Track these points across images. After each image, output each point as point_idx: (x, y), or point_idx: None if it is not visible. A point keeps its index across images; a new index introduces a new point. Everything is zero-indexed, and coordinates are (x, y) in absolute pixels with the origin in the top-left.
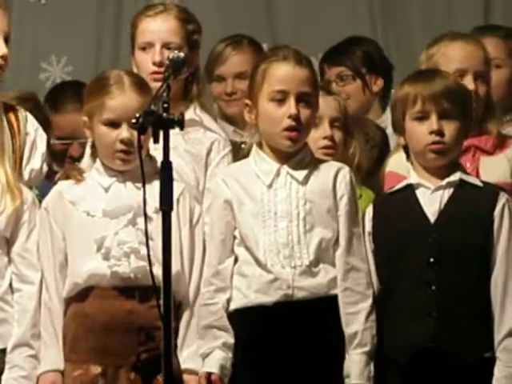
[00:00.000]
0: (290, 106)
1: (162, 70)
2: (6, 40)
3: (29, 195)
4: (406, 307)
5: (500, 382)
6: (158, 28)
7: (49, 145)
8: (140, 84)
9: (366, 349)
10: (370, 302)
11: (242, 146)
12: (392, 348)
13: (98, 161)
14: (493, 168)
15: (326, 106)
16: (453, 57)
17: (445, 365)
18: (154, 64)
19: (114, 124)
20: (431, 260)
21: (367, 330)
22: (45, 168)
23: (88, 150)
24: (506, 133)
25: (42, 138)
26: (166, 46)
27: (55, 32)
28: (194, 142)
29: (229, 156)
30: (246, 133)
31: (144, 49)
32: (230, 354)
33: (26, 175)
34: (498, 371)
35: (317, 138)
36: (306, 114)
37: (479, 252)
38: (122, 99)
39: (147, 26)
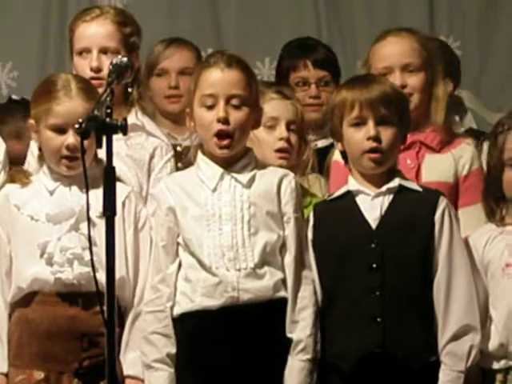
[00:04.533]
0: (219, 110)
1: (99, 75)
2: None
3: None
4: (350, 313)
5: None
6: (94, 33)
7: None
8: (87, 90)
9: (309, 356)
10: (315, 309)
11: (178, 148)
12: (335, 354)
13: (44, 164)
14: (436, 166)
15: (283, 108)
16: (378, 56)
17: (390, 370)
18: (92, 69)
19: (59, 130)
20: (374, 265)
21: (311, 337)
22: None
23: (32, 153)
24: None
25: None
26: (103, 50)
27: (0, 37)
28: (137, 148)
29: (172, 161)
30: (180, 136)
31: (81, 54)
32: (173, 368)
33: None
34: (444, 375)
35: (273, 139)
36: (238, 116)
37: (421, 257)
38: (68, 105)
39: (83, 31)
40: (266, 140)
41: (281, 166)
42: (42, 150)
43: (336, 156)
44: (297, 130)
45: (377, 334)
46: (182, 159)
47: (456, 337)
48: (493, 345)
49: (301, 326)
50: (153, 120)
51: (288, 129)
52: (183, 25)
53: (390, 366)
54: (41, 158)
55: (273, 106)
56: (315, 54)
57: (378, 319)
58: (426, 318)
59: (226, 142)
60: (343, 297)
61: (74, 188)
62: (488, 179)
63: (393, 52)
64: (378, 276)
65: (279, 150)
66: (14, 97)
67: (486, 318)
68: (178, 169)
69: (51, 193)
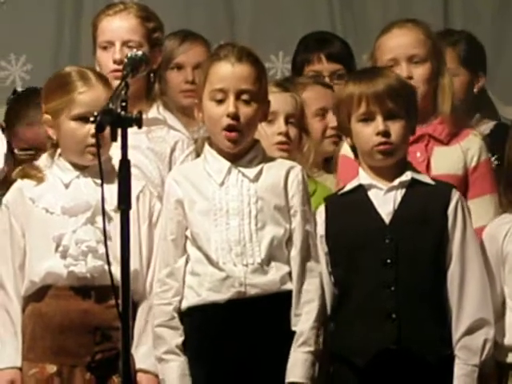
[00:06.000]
0: (229, 105)
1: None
2: None
3: None
4: (364, 308)
5: (460, 380)
6: (118, 27)
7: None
8: (103, 78)
9: (311, 348)
10: (320, 302)
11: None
12: (349, 350)
13: (57, 155)
14: (445, 158)
15: (283, 102)
16: (384, 48)
17: (405, 365)
18: (115, 62)
19: (84, 119)
20: (388, 261)
21: (314, 330)
22: (5, 168)
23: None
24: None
25: (1, 139)
26: (126, 44)
27: (14, 30)
28: (158, 141)
29: (192, 154)
30: (190, 128)
31: (105, 48)
32: (183, 356)
33: None
34: (458, 369)
35: (272, 133)
36: (247, 111)
37: (435, 251)
38: (90, 94)
39: (107, 25)
40: (266, 133)
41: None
42: (61, 143)
43: (343, 150)
44: (296, 122)
45: (392, 329)
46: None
47: (470, 331)
48: (509, 338)
49: (304, 319)
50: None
51: (287, 122)
52: (197, 18)
53: (405, 362)
54: (52, 154)
55: (272, 100)
56: (329, 48)
57: (393, 315)
58: (441, 313)
59: (234, 135)
60: (357, 292)
61: (89, 181)
62: (508, 170)
63: (398, 44)
64: (392, 271)
65: (278, 144)
66: (19, 89)
67: (502, 311)
68: None
69: (66, 186)
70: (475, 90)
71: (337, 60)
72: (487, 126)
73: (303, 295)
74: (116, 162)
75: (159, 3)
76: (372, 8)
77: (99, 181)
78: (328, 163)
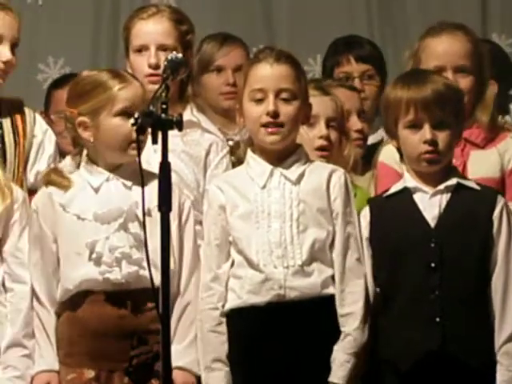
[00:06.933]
0: (269, 103)
1: (157, 72)
2: (14, 46)
3: (20, 195)
4: (408, 312)
5: None
6: (152, 30)
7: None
8: (134, 76)
9: (355, 350)
10: (363, 303)
11: (229, 142)
12: (393, 354)
13: (86, 159)
14: (482, 162)
15: (323, 105)
16: (431, 53)
17: (448, 370)
18: (150, 66)
19: (128, 114)
20: (432, 265)
21: (358, 331)
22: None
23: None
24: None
25: (50, 140)
26: (161, 48)
27: (52, 33)
28: (193, 144)
29: (227, 157)
30: (231, 131)
31: (139, 51)
32: (228, 366)
33: (31, 177)
34: (500, 375)
35: (313, 137)
36: (287, 109)
37: (480, 256)
38: (130, 88)
39: (141, 29)
40: (306, 137)
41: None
42: (102, 142)
43: (382, 157)
44: (337, 126)
45: (435, 333)
46: (235, 153)
47: None
48: None
49: (348, 320)
50: (205, 113)
51: (328, 126)
52: (235, 22)
53: (448, 366)
54: (77, 155)
55: (313, 103)
56: (358, 50)
57: (437, 319)
58: (484, 318)
59: (274, 129)
60: (401, 296)
61: (119, 184)
62: None
63: (447, 52)
64: (436, 275)
65: (319, 148)
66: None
67: None
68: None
69: (96, 190)
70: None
71: (366, 61)
72: None
73: (347, 297)
74: (155, 165)
75: (197, 8)
76: (411, 12)
77: (129, 183)
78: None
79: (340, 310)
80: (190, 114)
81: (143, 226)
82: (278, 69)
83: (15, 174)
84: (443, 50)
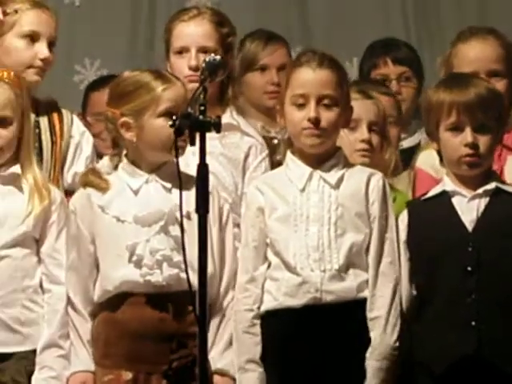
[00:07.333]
0: (310, 110)
1: (197, 74)
2: (52, 44)
3: (57, 195)
4: (444, 315)
5: None
6: (193, 32)
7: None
8: (176, 76)
9: (384, 355)
10: (390, 307)
11: (274, 141)
12: (428, 357)
13: (125, 160)
14: None
15: (365, 109)
16: (463, 58)
17: (484, 375)
18: (190, 68)
19: (170, 114)
20: (469, 269)
21: (384, 335)
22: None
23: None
24: None
25: (87, 141)
26: (202, 50)
27: (89, 34)
28: (232, 147)
29: (266, 160)
30: (273, 129)
31: (180, 53)
32: (262, 367)
33: (68, 178)
34: None
35: (354, 140)
36: (329, 116)
37: None
38: (174, 88)
39: (182, 31)
40: (348, 140)
41: (363, 165)
42: (145, 142)
43: (419, 162)
44: (379, 130)
45: (472, 338)
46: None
47: None
48: None
49: (375, 324)
50: (245, 115)
51: (370, 129)
52: (272, 23)
53: (484, 371)
54: (115, 156)
55: (355, 107)
56: (395, 52)
57: (473, 323)
58: None
59: (314, 135)
60: (437, 299)
61: (158, 186)
62: None
63: (479, 57)
64: (473, 279)
65: (360, 151)
66: None
67: None
68: (273, 163)
69: (135, 192)
70: None
71: (403, 63)
72: None
73: (377, 301)
74: (193, 168)
75: (232, 11)
76: (447, 14)
77: (168, 185)
78: None
79: (369, 314)
80: (229, 116)
81: (181, 228)
82: (321, 74)
83: (51, 173)
84: (475, 56)
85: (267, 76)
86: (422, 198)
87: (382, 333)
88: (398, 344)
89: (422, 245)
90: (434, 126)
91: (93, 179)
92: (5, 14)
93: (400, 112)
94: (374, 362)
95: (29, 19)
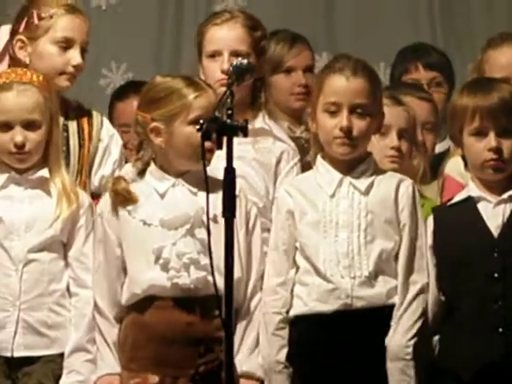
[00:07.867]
0: (342, 118)
1: None
2: (84, 50)
3: (86, 199)
4: (470, 322)
5: None
6: (226, 36)
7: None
8: (208, 84)
9: (409, 358)
10: (419, 314)
11: (304, 143)
12: (455, 362)
13: (153, 165)
14: None
15: (396, 116)
16: (494, 64)
17: (511, 380)
18: (223, 72)
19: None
20: (495, 275)
21: (412, 341)
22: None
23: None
24: None
25: (116, 144)
26: (234, 54)
27: (116, 38)
28: (264, 151)
29: (298, 166)
30: (298, 129)
31: (212, 56)
32: (291, 368)
33: (95, 181)
34: None
35: (384, 146)
36: (360, 125)
37: None
38: (206, 96)
39: (214, 34)
40: (377, 146)
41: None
42: (174, 148)
43: (447, 169)
44: (408, 137)
45: (498, 343)
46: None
47: None
48: None
49: (402, 331)
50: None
51: (400, 136)
52: (298, 28)
53: (511, 377)
54: (139, 160)
55: (385, 113)
56: (426, 57)
57: (500, 329)
58: None
59: (346, 143)
60: (463, 305)
61: (185, 190)
62: None
63: (510, 63)
64: (499, 285)
65: (390, 157)
66: None
67: None
68: (304, 166)
69: (162, 196)
70: None
71: (434, 68)
72: None
73: (404, 307)
74: (221, 172)
75: (259, 13)
76: (476, 18)
77: (195, 189)
78: None
79: (395, 321)
80: (261, 121)
81: (207, 231)
82: (354, 83)
83: (78, 177)
84: (506, 61)
85: (293, 78)
86: (448, 203)
87: (393, 333)
88: (411, 345)
89: (447, 250)
90: (458, 131)
91: (122, 192)
92: (40, 18)
93: (437, 118)
94: (388, 362)
95: (63, 25)
